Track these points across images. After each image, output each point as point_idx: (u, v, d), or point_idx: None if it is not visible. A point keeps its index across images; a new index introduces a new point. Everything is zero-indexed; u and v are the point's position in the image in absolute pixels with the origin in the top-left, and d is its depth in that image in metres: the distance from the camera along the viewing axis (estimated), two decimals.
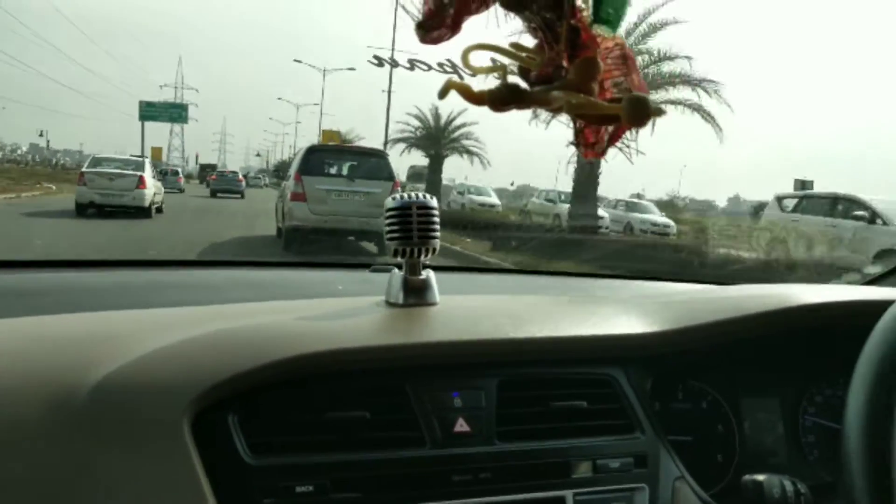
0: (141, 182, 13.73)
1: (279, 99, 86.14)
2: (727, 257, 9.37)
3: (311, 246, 9.28)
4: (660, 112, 0.63)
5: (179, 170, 34.93)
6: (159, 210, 15.40)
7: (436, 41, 0.66)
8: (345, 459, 0.72)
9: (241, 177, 33.18)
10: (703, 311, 1.00)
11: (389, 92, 22.56)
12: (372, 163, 10.03)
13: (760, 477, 0.82)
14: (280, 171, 59.18)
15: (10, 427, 0.61)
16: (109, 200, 13.41)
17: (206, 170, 54.00)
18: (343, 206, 9.15)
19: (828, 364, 1.06)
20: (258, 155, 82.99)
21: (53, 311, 0.86)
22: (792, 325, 1.01)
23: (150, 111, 40.78)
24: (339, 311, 0.89)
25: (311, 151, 10.19)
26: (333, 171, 9.91)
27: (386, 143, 23.22)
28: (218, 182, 30.66)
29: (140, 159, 15.97)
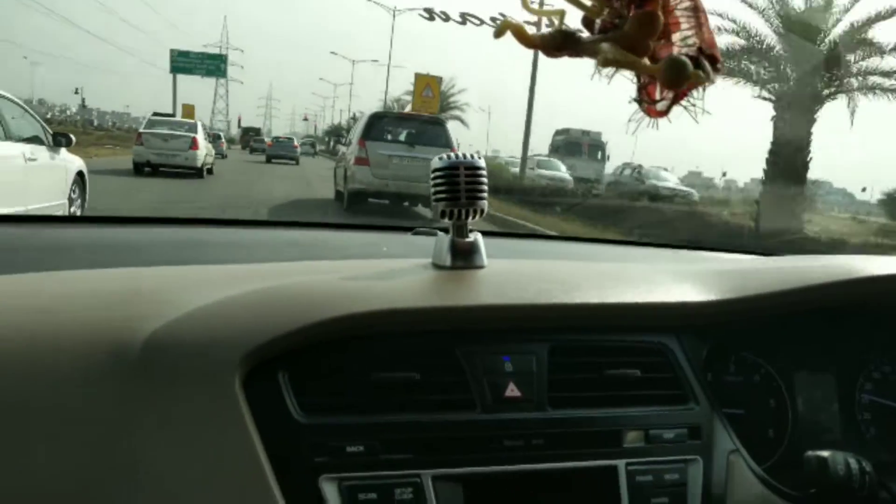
0: (194, 143, 14.00)
1: (333, 53, 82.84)
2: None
3: (371, 207, 9.51)
4: (699, 78, 0.59)
5: (221, 134, 32.40)
6: (210, 171, 15.69)
7: None
8: (395, 420, 0.69)
9: (296, 143, 32.82)
10: (761, 280, 0.94)
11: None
12: (430, 130, 10.29)
13: (825, 453, 0.77)
14: (332, 134, 57.33)
15: (61, 379, 0.60)
16: (164, 160, 13.74)
17: (248, 133, 49.23)
18: (403, 171, 9.45)
19: (887, 340, 0.99)
20: (306, 119, 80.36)
21: (97, 266, 0.85)
22: (855, 298, 0.94)
23: (182, 62, 34.64)
24: (387, 272, 0.86)
25: (375, 118, 10.52)
26: (394, 137, 10.15)
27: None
28: (274, 148, 30.70)
29: (194, 122, 16.06)
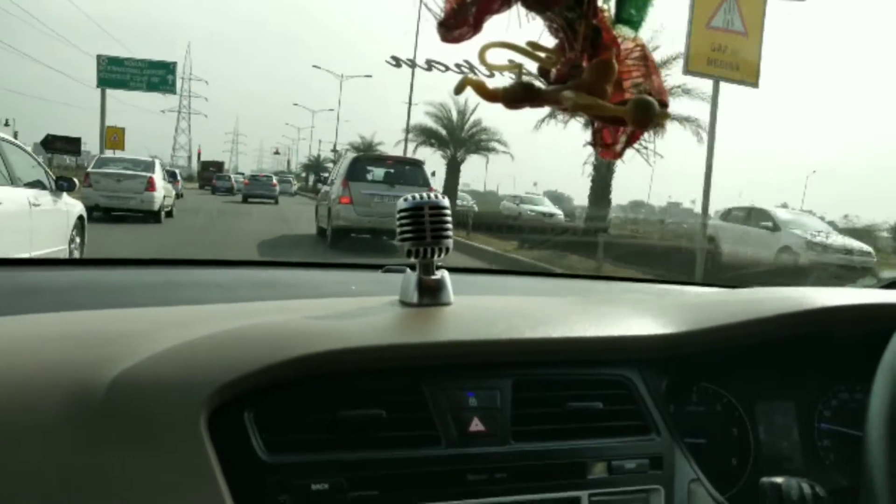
0: (150, 184, 12.03)
1: (295, 105, 78.35)
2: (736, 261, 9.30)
3: (353, 243, 9.60)
4: (665, 116, 0.60)
5: (177, 172, 25.42)
6: (169, 214, 13.65)
7: (457, 40, 0.61)
8: (360, 458, 0.67)
9: (274, 181, 29.20)
10: (719, 312, 0.93)
11: (410, 97, 21.74)
12: (409, 171, 10.72)
13: (779, 479, 0.76)
14: (310, 170, 53.06)
15: (28, 420, 0.57)
16: (116, 203, 11.76)
17: (209, 169, 40.35)
18: (384, 209, 9.67)
19: (843, 368, 0.98)
20: (277, 153, 73.23)
21: (70, 308, 0.82)
22: (808, 329, 0.93)
23: (115, 73, 23.35)
24: (354, 310, 0.85)
25: (357, 160, 10.91)
26: (375, 177, 10.47)
27: (406, 146, 22.22)
28: (251, 187, 27.59)
29: (150, 160, 13.82)
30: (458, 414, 0.72)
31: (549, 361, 0.80)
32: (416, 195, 0.84)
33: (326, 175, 16.85)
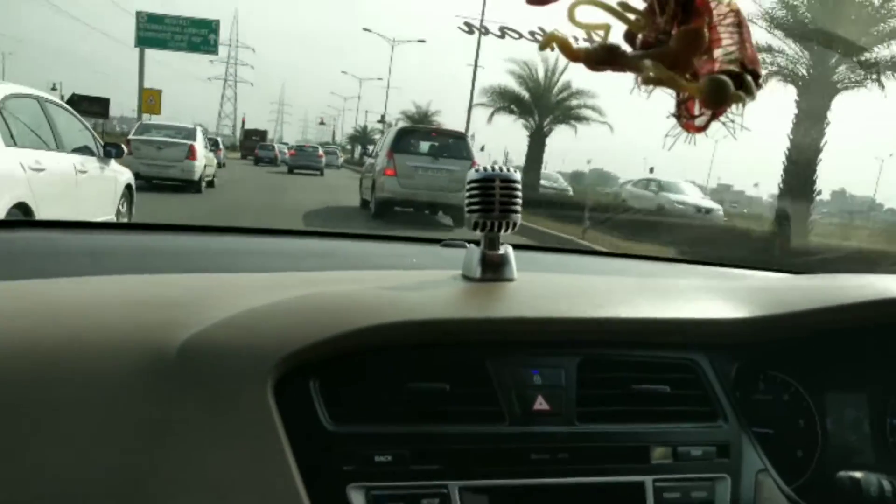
0: (191, 152, 11.50)
1: (343, 73, 75.44)
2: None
3: (397, 215, 9.64)
4: (740, 98, 0.56)
5: (219, 140, 23.37)
6: (210, 184, 13.20)
7: (543, 2, 0.59)
8: (424, 431, 0.67)
9: (321, 152, 27.60)
10: (794, 298, 0.89)
11: (476, 60, 19.77)
12: (453, 143, 10.64)
13: (858, 474, 0.73)
14: (357, 141, 51.53)
15: (100, 379, 0.59)
16: (157, 172, 11.27)
17: (251, 137, 37.96)
18: (427, 181, 9.80)
19: None
20: (322, 123, 69.56)
21: (139, 271, 0.84)
22: (889, 319, 0.89)
23: (154, 32, 22.05)
24: (417, 283, 0.84)
25: (402, 132, 10.95)
26: (420, 150, 10.47)
27: (470, 111, 20.06)
28: (297, 157, 26.46)
29: (192, 127, 13.04)
30: (522, 391, 0.71)
31: (614, 342, 0.79)
32: (488, 167, 0.82)
33: (372, 147, 16.65)
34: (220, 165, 17.67)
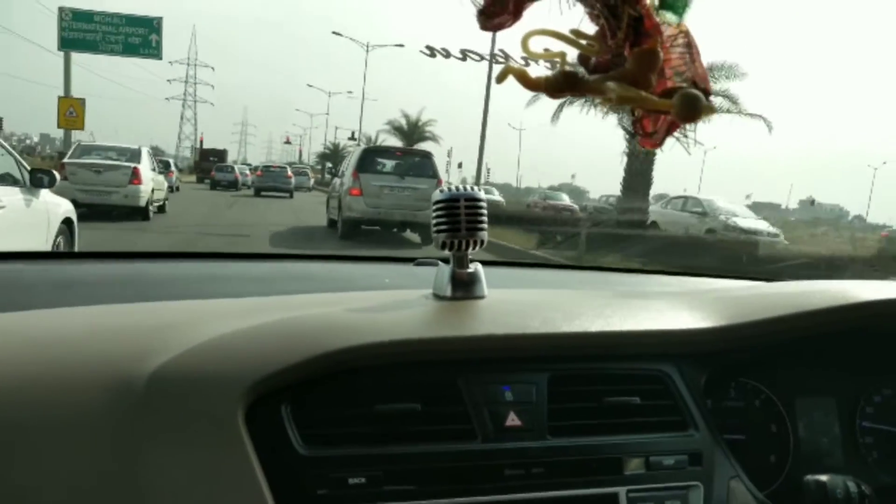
0: (136, 176, 10.29)
1: (309, 86, 73.10)
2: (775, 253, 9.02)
3: (366, 234, 9.60)
4: (711, 110, 0.59)
5: (171, 161, 21.75)
6: (161, 209, 12.08)
7: (497, 28, 0.61)
8: (397, 452, 0.67)
9: (289, 172, 26.12)
10: (760, 306, 0.92)
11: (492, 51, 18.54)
12: (419, 162, 10.77)
13: (823, 477, 0.75)
14: (326, 159, 49.20)
15: (69, 414, 0.58)
16: (96, 199, 9.97)
17: (208, 158, 34.12)
18: (394, 200, 9.85)
19: (886, 365, 0.97)
20: (288, 142, 67.87)
21: (103, 302, 0.83)
22: (853, 323, 0.92)
23: (79, 32, 17.76)
24: (388, 303, 0.84)
25: (367, 152, 11.00)
26: (385, 168, 10.51)
27: (484, 128, 17.11)
28: (264, 179, 25.10)
29: (136, 148, 11.83)
30: (494, 408, 0.72)
31: (585, 356, 0.80)
32: (452, 186, 0.83)
33: (339, 167, 16.57)
34: (174, 189, 15.83)
